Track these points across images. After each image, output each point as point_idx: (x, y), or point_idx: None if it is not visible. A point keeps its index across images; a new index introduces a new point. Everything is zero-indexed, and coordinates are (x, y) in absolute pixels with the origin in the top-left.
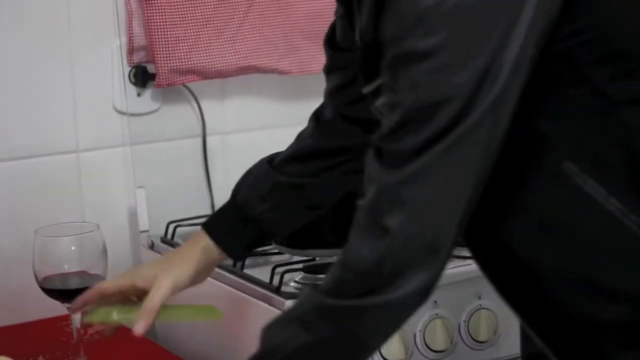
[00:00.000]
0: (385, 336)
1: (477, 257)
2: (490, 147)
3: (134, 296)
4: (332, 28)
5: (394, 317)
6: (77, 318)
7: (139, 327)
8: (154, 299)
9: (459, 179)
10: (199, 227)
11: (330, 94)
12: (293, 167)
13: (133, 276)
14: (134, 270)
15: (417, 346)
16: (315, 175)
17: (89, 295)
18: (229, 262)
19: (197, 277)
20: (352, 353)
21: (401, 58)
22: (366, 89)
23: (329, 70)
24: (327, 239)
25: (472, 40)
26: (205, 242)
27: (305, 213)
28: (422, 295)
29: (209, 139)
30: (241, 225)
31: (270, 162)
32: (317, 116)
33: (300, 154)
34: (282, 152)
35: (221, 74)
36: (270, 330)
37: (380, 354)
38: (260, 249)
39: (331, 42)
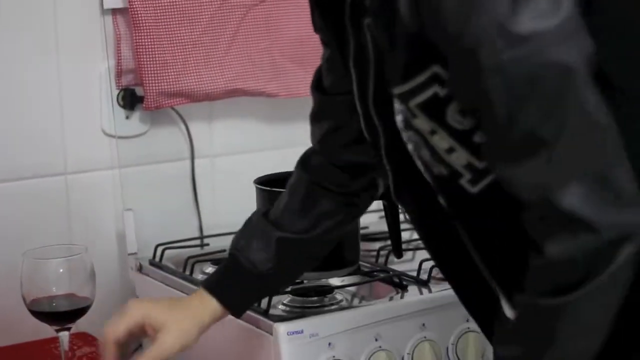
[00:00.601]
0: (612, 312)
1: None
2: None
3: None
4: (318, 73)
5: (616, 291)
6: (65, 340)
7: None
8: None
9: None
10: (187, 250)
11: (321, 140)
12: (291, 221)
13: (142, 318)
14: (140, 308)
15: None
16: (315, 227)
17: (110, 353)
18: None
19: (197, 342)
20: (585, 346)
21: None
22: (398, 89)
23: (317, 116)
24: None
25: None
26: (212, 306)
27: (309, 263)
28: (633, 264)
29: (197, 162)
30: (247, 285)
31: (267, 217)
32: (303, 164)
33: (296, 207)
34: (276, 204)
35: (209, 97)
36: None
37: None
38: None
39: (319, 87)
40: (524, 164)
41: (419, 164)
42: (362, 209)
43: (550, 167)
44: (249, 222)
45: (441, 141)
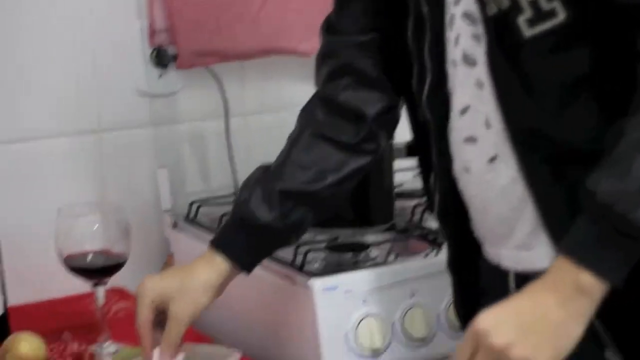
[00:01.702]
0: None
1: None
2: None
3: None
4: (328, 18)
5: None
6: (100, 295)
7: None
8: (176, 338)
9: None
10: (221, 207)
11: (327, 79)
12: (293, 173)
13: (153, 300)
14: (150, 290)
15: (395, 335)
16: (317, 179)
17: (147, 341)
18: None
19: (211, 302)
20: None
21: None
22: None
23: (325, 56)
24: (350, 219)
25: None
26: (219, 263)
27: (315, 216)
28: None
29: (231, 120)
30: (252, 238)
31: (269, 170)
32: (304, 115)
33: (297, 159)
34: (277, 157)
35: (242, 56)
36: (602, 173)
37: (358, 341)
38: None
39: (329, 29)
40: None
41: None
42: (365, 165)
43: None
44: (250, 177)
45: None
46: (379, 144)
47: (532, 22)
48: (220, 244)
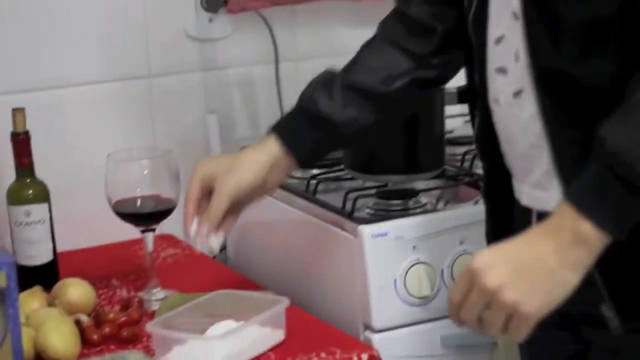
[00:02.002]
0: None
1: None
2: None
3: None
4: None
5: None
6: (149, 241)
7: (213, 243)
8: (217, 210)
9: None
10: None
11: None
12: (361, 72)
13: (203, 178)
14: (201, 167)
15: (444, 282)
16: (384, 82)
17: (190, 212)
18: (302, 186)
19: (260, 185)
20: None
21: None
22: None
23: None
24: (399, 165)
25: None
26: (272, 145)
27: (372, 120)
28: None
29: (281, 65)
30: (309, 126)
31: (335, 70)
32: (381, 24)
33: (367, 60)
34: (349, 61)
35: (293, 0)
36: (617, 125)
37: (407, 288)
38: (332, 173)
39: None
40: None
41: None
42: (432, 79)
43: None
44: (317, 76)
45: None
46: (447, 60)
47: None
48: (275, 128)
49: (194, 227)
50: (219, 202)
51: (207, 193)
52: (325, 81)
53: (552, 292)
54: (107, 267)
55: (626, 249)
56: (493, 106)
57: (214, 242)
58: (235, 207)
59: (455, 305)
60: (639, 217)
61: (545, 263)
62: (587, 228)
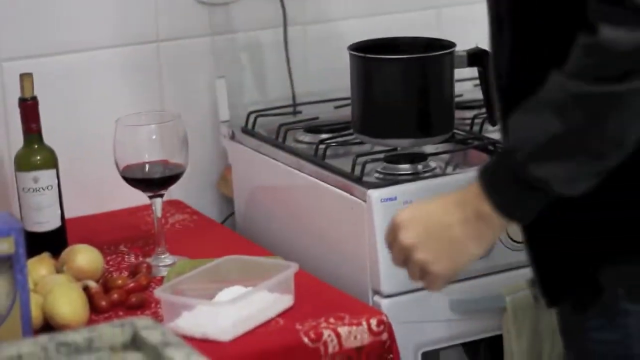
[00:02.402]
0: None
1: None
2: None
3: None
4: None
5: None
6: (158, 206)
7: None
8: None
9: None
10: (279, 118)
11: None
12: None
13: None
14: None
15: None
16: None
17: None
18: (310, 151)
19: None
20: (605, 147)
21: None
22: None
23: None
24: (408, 129)
25: None
26: None
27: None
28: None
29: (289, 29)
30: None
31: None
32: None
33: None
34: None
35: None
36: (519, 120)
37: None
38: (340, 138)
39: None
40: None
41: None
42: None
43: None
44: None
45: None
46: None
47: None
48: None
49: None
50: None
51: None
52: None
53: (456, 258)
54: (115, 233)
55: (557, 236)
56: None
57: None
58: None
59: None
60: (533, 207)
61: (452, 231)
62: (486, 208)
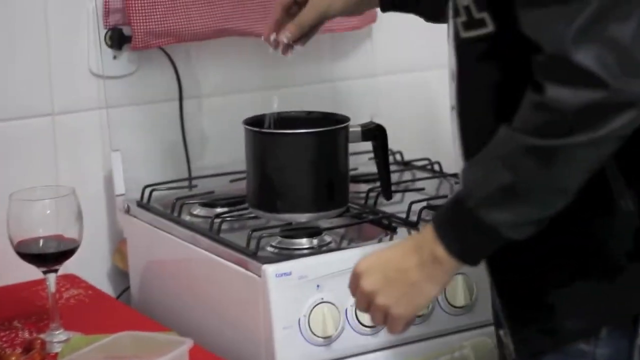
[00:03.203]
0: (583, 178)
1: None
2: None
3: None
4: None
5: (597, 155)
6: (52, 282)
7: (286, 35)
8: (305, 18)
9: None
10: (175, 192)
11: None
12: None
13: None
14: None
15: (348, 322)
16: None
17: (276, 15)
18: (206, 225)
19: (349, 7)
20: (550, 196)
21: None
22: None
23: None
24: (303, 204)
25: None
26: None
27: None
28: (627, 132)
29: (185, 102)
30: None
31: None
32: None
33: None
34: None
35: (197, 37)
36: (470, 169)
37: (311, 328)
38: (236, 212)
39: None
40: (554, 10)
41: None
42: None
43: (580, 19)
44: None
45: None
46: None
47: (466, 26)
48: None
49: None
50: (308, 14)
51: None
52: None
53: (415, 301)
54: (8, 308)
55: (524, 281)
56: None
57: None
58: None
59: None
60: (483, 251)
61: (409, 275)
62: (440, 252)
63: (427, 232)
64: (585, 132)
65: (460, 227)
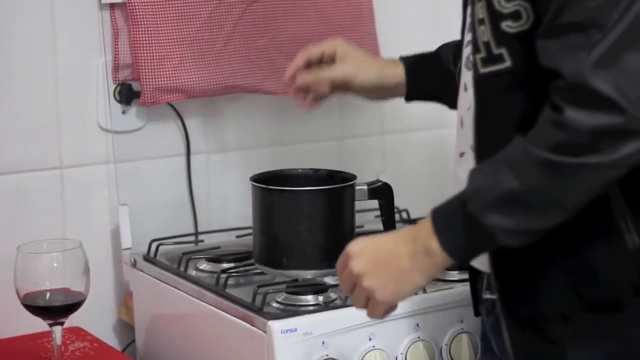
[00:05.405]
0: (586, 198)
1: None
2: None
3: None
4: None
5: (604, 178)
6: (58, 334)
7: (303, 78)
8: (334, 72)
9: None
10: (181, 246)
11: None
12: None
13: (336, 46)
14: (337, 42)
15: None
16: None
17: (298, 62)
18: (212, 280)
19: (372, 91)
20: (551, 210)
21: None
22: None
23: None
24: (310, 260)
25: None
26: (398, 64)
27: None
28: (635, 160)
29: (192, 158)
30: (429, 68)
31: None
32: None
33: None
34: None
35: (206, 93)
36: (478, 172)
37: None
38: (242, 268)
39: None
40: (573, 39)
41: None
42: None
43: (599, 48)
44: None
45: (480, 10)
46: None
47: (485, 62)
48: (405, 57)
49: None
50: (335, 71)
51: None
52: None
53: (401, 288)
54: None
55: (523, 274)
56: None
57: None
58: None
59: (338, 277)
60: (476, 252)
61: (400, 263)
62: (434, 245)
63: (424, 225)
64: (598, 154)
65: (458, 226)
